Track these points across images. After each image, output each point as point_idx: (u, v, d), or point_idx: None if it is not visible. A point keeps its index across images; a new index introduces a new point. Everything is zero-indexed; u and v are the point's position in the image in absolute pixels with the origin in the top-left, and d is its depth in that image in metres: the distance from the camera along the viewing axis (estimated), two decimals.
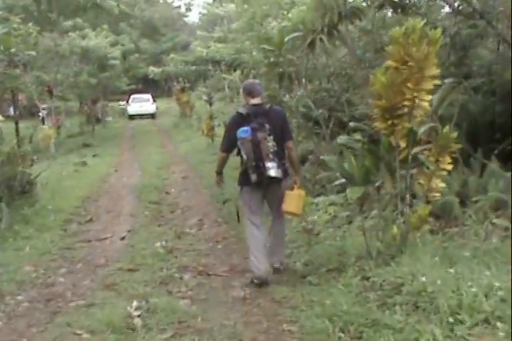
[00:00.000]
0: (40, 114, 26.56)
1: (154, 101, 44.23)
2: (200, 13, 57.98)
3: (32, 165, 15.00)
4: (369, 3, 9.68)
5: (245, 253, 7.26)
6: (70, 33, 28.50)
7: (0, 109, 30.92)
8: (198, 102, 30.17)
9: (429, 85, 5.39)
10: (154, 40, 45.80)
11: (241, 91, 6.93)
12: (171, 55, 22.82)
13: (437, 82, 5.51)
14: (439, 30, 5.37)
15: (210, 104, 21.58)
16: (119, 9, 25.18)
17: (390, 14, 10.83)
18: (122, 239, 9.77)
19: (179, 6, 73.80)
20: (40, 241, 9.45)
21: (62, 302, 6.49)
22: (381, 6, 9.06)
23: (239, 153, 6.30)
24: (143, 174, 17.17)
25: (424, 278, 4.72)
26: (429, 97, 5.48)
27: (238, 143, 6.13)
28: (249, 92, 6.36)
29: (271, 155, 5.99)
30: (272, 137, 6.02)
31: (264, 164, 5.96)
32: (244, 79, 15.20)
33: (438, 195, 5.93)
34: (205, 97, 23.59)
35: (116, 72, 32.92)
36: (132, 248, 8.99)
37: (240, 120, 6.18)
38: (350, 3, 9.40)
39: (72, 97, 29.66)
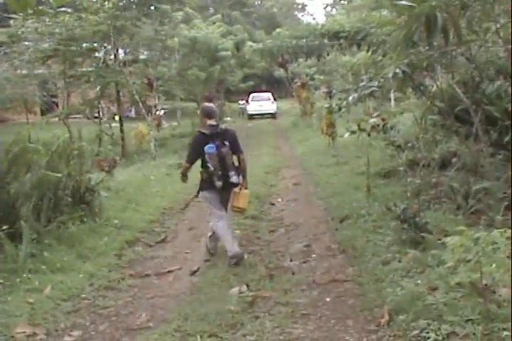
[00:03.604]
0: (157, 113, 24.60)
1: (275, 100, 41.79)
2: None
3: (114, 167, 12.65)
4: None
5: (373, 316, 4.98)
6: (181, 25, 26.30)
7: (120, 109, 29.50)
8: (322, 102, 27.28)
9: None
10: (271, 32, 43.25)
11: (199, 112, 7.88)
12: (278, 30, 20.05)
13: None
14: None
15: (330, 97, 18.45)
16: None
17: None
18: (193, 273, 6.98)
19: None
20: (74, 275, 6.65)
21: None
22: None
23: (203, 165, 7.32)
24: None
25: None
26: None
27: (206, 157, 7.20)
28: (208, 115, 7.39)
29: (232, 166, 7.27)
30: (230, 151, 7.25)
31: (228, 173, 7.23)
32: (371, 60, 12.15)
33: None
34: (323, 89, 20.48)
35: (229, 65, 30.36)
36: (197, 294, 6.10)
37: (203, 138, 7.26)
38: None
39: (180, 93, 27.30)
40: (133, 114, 33.92)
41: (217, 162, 7.16)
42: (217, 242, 7.69)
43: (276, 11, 62.73)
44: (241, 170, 7.52)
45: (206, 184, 7.36)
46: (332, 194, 10.88)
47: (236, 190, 7.51)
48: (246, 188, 7.62)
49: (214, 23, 29.78)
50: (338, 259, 7.09)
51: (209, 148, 7.14)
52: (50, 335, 5.12)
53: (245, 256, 7.26)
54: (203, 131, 7.32)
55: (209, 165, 7.21)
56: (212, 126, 7.32)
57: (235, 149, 7.38)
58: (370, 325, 4.87)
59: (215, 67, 28.12)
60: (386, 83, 7.10)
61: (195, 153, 7.36)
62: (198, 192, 7.58)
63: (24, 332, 5.03)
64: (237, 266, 7.01)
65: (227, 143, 7.24)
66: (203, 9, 44.77)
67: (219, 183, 7.24)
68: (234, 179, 7.31)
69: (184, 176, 7.63)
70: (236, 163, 7.45)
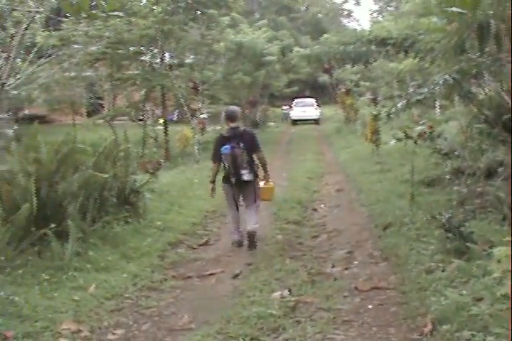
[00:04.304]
0: (202, 116, 24.72)
1: (318, 106, 41.59)
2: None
3: (158, 169, 12.76)
4: None
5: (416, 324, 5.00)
6: (227, 30, 26.37)
7: (165, 112, 29.79)
8: (367, 109, 27.04)
9: None
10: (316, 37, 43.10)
11: (222, 116, 10.00)
12: (325, 35, 19.96)
13: None
14: None
15: (375, 104, 18.28)
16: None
17: None
18: (235, 277, 7.00)
19: (346, 1, 71.83)
20: (118, 275, 6.74)
21: None
22: None
23: (223, 163, 8.20)
24: (289, 184, 14.20)
25: None
26: None
27: (222, 157, 8.11)
28: (229, 118, 8.25)
29: (244, 165, 8.08)
30: (245, 152, 8.05)
31: (240, 171, 8.07)
32: (418, 67, 12.07)
33: None
34: (368, 95, 20.30)
35: (274, 70, 30.38)
36: (240, 297, 6.14)
37: (222, 140, 8.19)
38: None
39: (225, 97, 27.41)
40: (175, 117, 34.09)
41: (230, 161, 8.02)
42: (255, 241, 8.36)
43: (322, 17, 62.60)
44: (261, 166, 8.45)
45: (225, 179, 8.31)
46: (375, 201, 10.79)
47: (261, 184, 8.56)
48: (269, 182, 8.65)
49: (260, 28, 29.85)
50: (381, 267, 7.03)
51: (224, 149, 8.01)
52: (94, 333, 5.20)
53: (244, 242, 8.38)
54: (224, 133, 8.38)
55: (225, 163, 8.13)
56: (233, 128, 8.18)
57: (253, 148, 8.24)
58: (413, 334, 4.83)
59: (260, 71, 28.13)
60: (435, 90, 7.01)
61: (215, 152, 8.31)
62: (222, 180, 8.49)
63: (69, 328, 5.12)
64: (240, 247, 8.35)
65: (241, 144, 8.02)
66: (249, 14, 44.97)
67: (233, 179, 8.14)
68: (245, 177, 8.13)
69: (213, 182, 8.52)
70: (255, 161, 8.32)
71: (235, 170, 8.08)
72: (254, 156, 8.35)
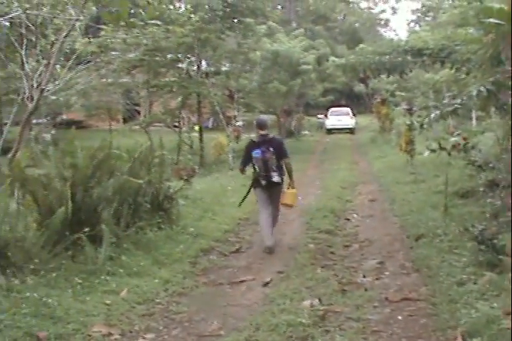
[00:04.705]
0: (237, 124, 24.94)
1: (354, 115, 41.40)
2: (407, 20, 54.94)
3: (192, 176, 12.88)
4: None
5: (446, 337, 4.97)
6: (263, 38, 26.47)
7: (200, 119, 30.01)
8: (402, 119, 26.84)
9: None
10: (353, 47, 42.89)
11: (254, 124, 9.50)
12: (361, 45, 19.84)
13: None
14: None
15: (411, 114, 18.19)
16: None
17: None
18: (265, 284, 7.00)
19: (383, 11, 71.73)
20: (149, 280, 6.82)
21: None
22: None
23: (253, 167, 8.79)
24: (322, 193, 14.20)
25: None
26: None
27: (253, 161, 8.69)
28: (259, 126, 8.93)
29: (274, 168, 8.62)
30: (274, 156, 8.58)
31: (270, 174, 8.61)
32: (454, 78, 11.99)
33: None
34: (404, 106, 20.16)
35: (309, 79, 30.45)
36: (269, 304, 6.14)
37: (253, 145, 8.78)
38: None
39: (260, 105, 27.57)
40: (210, 124, 34.30)
41: (261, 164, 8.57)
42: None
43: (359, 26, 62.50)
44: (287, 172, 8.89)
45: (255, 182, 8.85)
46: (408, 212, 10.74)
47: (284, 189, 8.97)
48: (293, 188, 9.02)
49: (296, 37, 29.95)
50: (412, 278, 6.99)
51: (255, 153, 8.58)
52: (124, 336, 5.27)
53: (274, 249, 8.58)
54: (254, 139, 9.03)
55: (256, 167, 8.68)
56: (263, 135, 8.82)
57: (281, 154, 8.72)
58: None
59: (295, 80, 28.18)
60: (469, 101, 6.96)
61: (246, 157, 8.92)
62: (250, 189, 9.08)
63: (100, 331, 5.20)
64: (270, 254, 8.48)
65: (271, 149, 8.55)
66: (285, 23, 45.05)
67: (263, 182, 8.68)
68: (275, 179, 8.66)
69: (242, 172, 9.34)
70: (283, 166, 8.78)
71: (266, 172, 8.61)
72: (282, 162, 8.77)
